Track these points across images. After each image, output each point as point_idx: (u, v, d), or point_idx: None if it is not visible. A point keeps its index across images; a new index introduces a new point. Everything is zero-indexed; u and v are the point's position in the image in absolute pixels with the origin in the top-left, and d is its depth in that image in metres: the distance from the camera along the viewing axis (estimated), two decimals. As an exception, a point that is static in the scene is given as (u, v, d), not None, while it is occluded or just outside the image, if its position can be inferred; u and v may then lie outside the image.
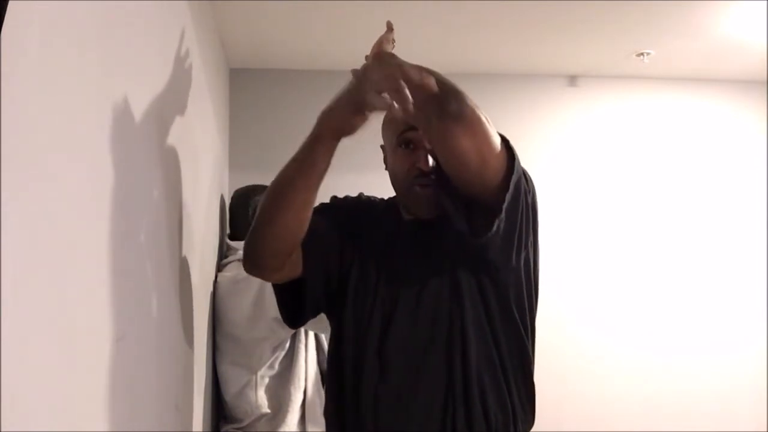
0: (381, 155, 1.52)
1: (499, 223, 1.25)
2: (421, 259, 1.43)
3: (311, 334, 2.38)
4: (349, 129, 1.25)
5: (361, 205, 1.57)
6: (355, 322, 1.43)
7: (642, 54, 3.07)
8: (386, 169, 1.49)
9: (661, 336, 3.34)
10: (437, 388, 1.35)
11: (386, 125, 1.45)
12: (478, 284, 1.39)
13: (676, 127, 3.45)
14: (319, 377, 2.37)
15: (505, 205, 1.24)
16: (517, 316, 1.40)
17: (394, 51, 1.42)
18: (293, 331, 2.24)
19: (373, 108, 1.19)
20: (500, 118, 1.07)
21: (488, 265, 1.37)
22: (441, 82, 1.17)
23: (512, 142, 1.29)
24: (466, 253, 1.36)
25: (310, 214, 1.34)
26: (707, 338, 3.35)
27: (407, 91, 1.10)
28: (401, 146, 1.41)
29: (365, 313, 1.42)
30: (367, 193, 1.63)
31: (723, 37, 2.89)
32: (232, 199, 2.65)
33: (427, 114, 1.18)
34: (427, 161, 1.37)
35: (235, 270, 2.35)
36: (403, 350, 1.39)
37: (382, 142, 1.50)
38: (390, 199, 1.56)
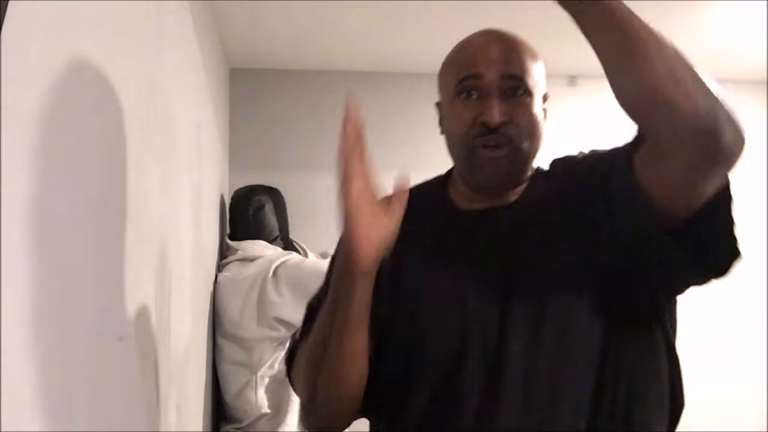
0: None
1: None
2: (495, 276, 1.02)
3: (311, 334, 2.38)
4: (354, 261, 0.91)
5: None
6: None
7: (642, 54, 3.07)
8: (441, 132, 1.11)
9: (661, 336, 3.34)
10: None
11: (444, 70, 1.11)
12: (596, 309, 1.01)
13: (676, 127, 3.45)
14: (319, 377, 2.37)
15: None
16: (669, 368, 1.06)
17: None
18: (293, 330, 2.24)
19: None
20: (500, 118, 1.06)
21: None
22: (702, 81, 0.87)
23: None
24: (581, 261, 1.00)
25: (365, 354, 0.99)
26: (707, 338, 3.35)
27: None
28: (461, 95, 1.05)
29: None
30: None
31: (723, 37, 2.89)
32: (232, 199, 2.64)
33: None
34: (494, 113, 1.01)
35: (235, 270, 2.35)
36: None
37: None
38: (429, 182, 1.15)
